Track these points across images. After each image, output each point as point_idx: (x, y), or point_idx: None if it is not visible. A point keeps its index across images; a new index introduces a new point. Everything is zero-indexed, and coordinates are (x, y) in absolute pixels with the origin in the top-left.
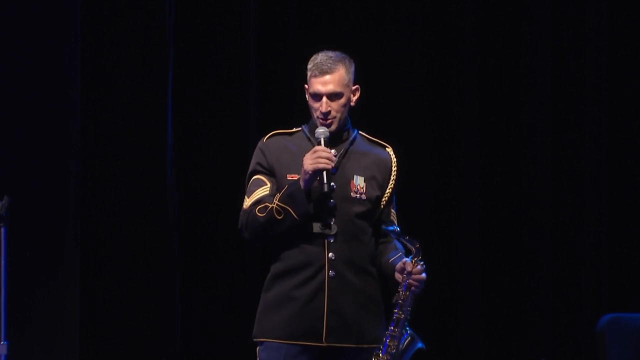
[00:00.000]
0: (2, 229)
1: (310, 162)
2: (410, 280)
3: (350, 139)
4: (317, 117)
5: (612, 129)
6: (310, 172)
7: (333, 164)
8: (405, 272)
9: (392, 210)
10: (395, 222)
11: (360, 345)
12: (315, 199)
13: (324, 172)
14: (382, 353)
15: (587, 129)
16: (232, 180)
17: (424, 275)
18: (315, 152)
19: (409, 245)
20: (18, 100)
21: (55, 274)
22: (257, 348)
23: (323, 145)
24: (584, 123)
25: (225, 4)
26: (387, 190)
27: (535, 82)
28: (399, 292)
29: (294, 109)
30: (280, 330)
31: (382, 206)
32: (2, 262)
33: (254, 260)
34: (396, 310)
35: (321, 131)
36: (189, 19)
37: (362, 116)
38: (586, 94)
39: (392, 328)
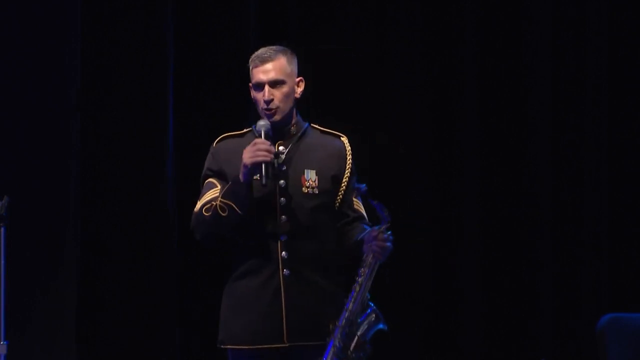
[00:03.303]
0: (2, 229)
1: (249, 155)
2: (374, 246)
3: (300, 133)
4: (262, 108)
5: (612, 129)
6: (248, 166)
7: (272, 156)
8: (371, 236)
9: (355, 200)
10: (363, 212)
11: (325, 342)
12: (261, 196)
13: (263, 165)
14: (339, 322)
15: (587, 129)
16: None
17: (389, 244)
18: (254, 144)
19: (378, 210)
20: (18, 100)
21: (55, 274)
22: (227, 353)
23: (263, 137)
24: (584, 123)
25: (225, 4)
26: (344, 180)
27: (535, 82)
28: (363, 260)
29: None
30: (243, 335)
31: (340, 196)
32: (2, 262)
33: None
34: (357, 279)
35: (262, 123)
36: (189, 19)
37: (362, 116)
38: (586, 94)
39: (353, 296)
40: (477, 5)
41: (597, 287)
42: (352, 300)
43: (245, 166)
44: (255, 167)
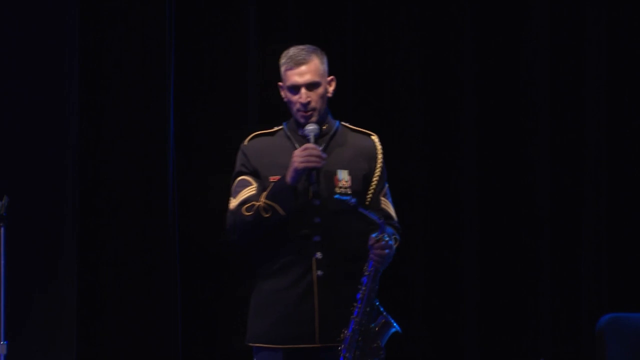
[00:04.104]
0: (2, 229)
1: (300, 159)
2: (373, 255)
3: (331, 132)
4: (297, 110)
5: (612, 129)
6: (299, 170)
7: (324, 162)
8: (368, 245)
9: (383, 199)
10: (391, 212)
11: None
12: (300, 197)
13: (314, 171)
14: (348, 331)
15: (587, 129)
16: (231, 181)
17: (386, 251)
18: (305, 149)
19: (372, 218)
20: (18, 100)
21: (55, 274)
22: (253, 352)
23: (313, 142)
24: (584, 123)
25: (225, 4)
26: (374, 179)
27: (535, 82)
28: (364, 268)
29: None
30: (272, 333)
31: (370, 195)
32: (2, 261)
33: (254, 260)
34: (362, 287)
35: (311, 128)
36: (189, 19)
37: (362, 116)
38: (586, 94)
39: (358, 305)
40: (477, 5)
41: (597, 287)
42: (358, 308)
43: (295, 170)
44: (305, 171)
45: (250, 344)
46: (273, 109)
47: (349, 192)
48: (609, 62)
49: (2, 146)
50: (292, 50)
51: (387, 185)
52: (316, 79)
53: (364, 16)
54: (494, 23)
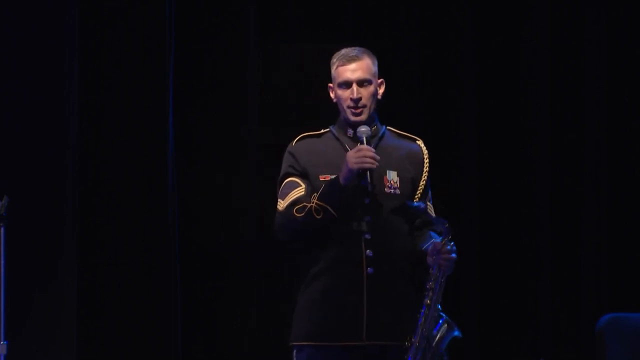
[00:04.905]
0: (2, 229)
1: (354, 160)
2: (441, 260)
3: (379, 134)
4: (348, 106)
5: (612, 129)
6: (355, 171)
7: (377, 164)
8: (435, 251)
9: (429, 204)
10: (433, 215)
11: (403, 343)
12: (351, 196)
13: (368, 172)
14: (414, 337)
15: (587, 129)
16: (231, 181)
17: (453, 255)
18: (359, 150)
19: (437, 223)
20: (18, 100)
21: (54, 273)
22: (294, 352)
23: (365, 143)
24: (584, 123)
25: (225, 4)
26: (421, 184)
27: (535, 82)
28: (430, 274)
29: (295, 109)
30: (319, 331)
31: (417, 199)
32: (2, 262)
33: (255, 260)
34: (427, 293)
35: (363, 129)
36: (189, 19)
37: None
38: (586, 94)
39: (424, 311)
40: (477, 5)
41: (597, 287)
42: (424, 316)
43: (350, 171)
44: (359, 172)
45: (295, 343)
46: (273, 108)
47: (398, 193)
48: (609, 62)
49: (2, 146)
50: (344, 50)
51: (430, 191)
52: (367, 76)
53: (364, 16)
54: (494, 23)
